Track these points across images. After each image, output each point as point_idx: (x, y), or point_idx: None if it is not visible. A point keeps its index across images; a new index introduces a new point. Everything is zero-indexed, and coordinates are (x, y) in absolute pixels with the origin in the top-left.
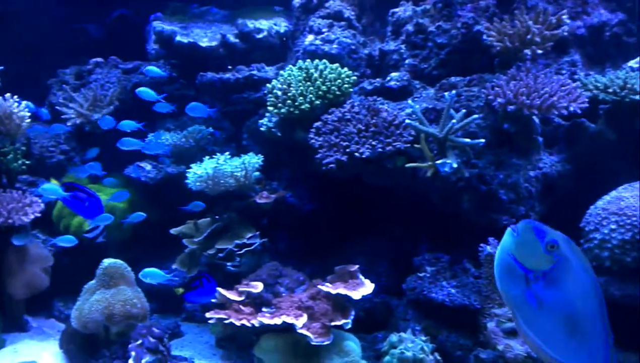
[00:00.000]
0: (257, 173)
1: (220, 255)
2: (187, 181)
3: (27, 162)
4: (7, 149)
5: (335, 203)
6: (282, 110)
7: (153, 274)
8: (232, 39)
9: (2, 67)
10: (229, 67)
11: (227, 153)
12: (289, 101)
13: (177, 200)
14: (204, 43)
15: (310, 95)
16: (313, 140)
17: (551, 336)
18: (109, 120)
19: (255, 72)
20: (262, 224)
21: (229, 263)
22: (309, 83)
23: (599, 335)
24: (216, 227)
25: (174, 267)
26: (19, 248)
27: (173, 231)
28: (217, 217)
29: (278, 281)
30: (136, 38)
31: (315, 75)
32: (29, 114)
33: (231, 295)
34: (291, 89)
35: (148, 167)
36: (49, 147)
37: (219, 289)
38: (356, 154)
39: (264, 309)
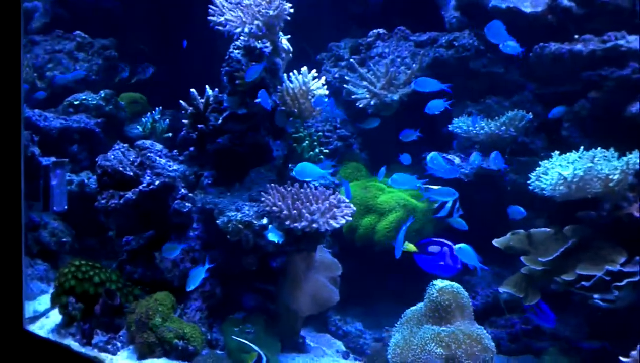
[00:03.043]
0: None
1: (585, 284)
2: (533, 182)
3: (325, 150)
4: (302, 133)
5: None
6: None
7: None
8: (565, 1)
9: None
10: (576, 36)
11: (581, 149)
12: None
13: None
14: (527, 8)
15: None
16: None
17: None
18: (438, 104)
19: (622, 42)
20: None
21: (596, 296)
22: None
23: None
24: (570, 244)
25: (501, 290)
26: (306, 254)
27: (496, 242)
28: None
29: None
30: (424, 3)
31: None
32: (327, 92)
33: None
34: None
35: (457, 160)
36: (325, 131)
37: None
38: None
39: None
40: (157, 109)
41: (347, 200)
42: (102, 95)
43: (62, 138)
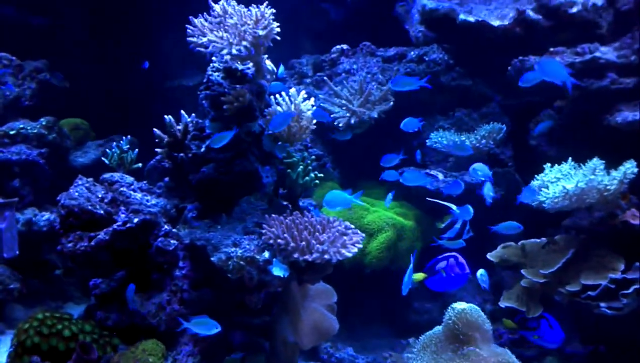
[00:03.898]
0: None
1: (592, 293)
2: (524, 198)
3: (320, 174)
4: (295, 158)
5: None
6: None
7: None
8: (532, 15)
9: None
10: (551, 48)
11: (570, 160)
12: None
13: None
14: (495, 22)
15: None
16: None
17: None
18: (413, 122)
19: (599, 53)
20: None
21: (603, 304)
22: None
23: None
24: (571, 255)
25: (502, 304)
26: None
27: (490, 256)
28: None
29: None
30: (384, 19)
31: None
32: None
33: None
34: None
35: (440, 176)
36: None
37: None
38: None
39: None
40: (124, 138)
41: (353, 227)
42: (44, 122)
43: (1, 173)
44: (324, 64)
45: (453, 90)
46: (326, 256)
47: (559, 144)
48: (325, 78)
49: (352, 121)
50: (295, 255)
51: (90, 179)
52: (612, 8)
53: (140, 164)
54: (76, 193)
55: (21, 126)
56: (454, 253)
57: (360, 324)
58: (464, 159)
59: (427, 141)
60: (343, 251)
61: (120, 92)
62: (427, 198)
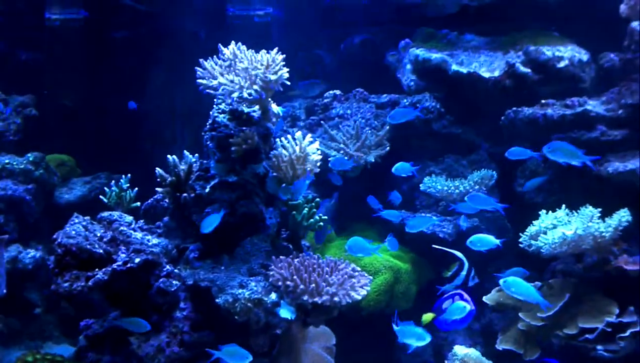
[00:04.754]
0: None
1: (589, 336)
2: (527, 241)
3: (325, 217)
4: (300, 200)
5: None
6: None
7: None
8: (522, 68)
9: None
10: (542, 101)
11: (564, 207)
12: None
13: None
14: (486, 73)
15: None
16: None
17: None
18: (405, 167)
19: (589, 106)
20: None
21: (600, 347)
22: None
23: None
24: (567, 299)
25: (500, 347)
26: (301, 324)
27: (487, 299)
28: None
29: None
30: (374, 66)
31: None
32: (321, 156)
33: None
34: None
35: (434, 219)
36: None
37: None
38: None
39: None
40: (124, 176)
41: (359, 269)
42: (30, 158)
43: None
44: (316, 108)
45: (444, 137)
46: (336, 299)
47: (545, 191)
48: (322, 121)
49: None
50: (305, 298)
51: (87, 217)
52: (595, 64)
53: (138, 203)
54: (73, 232)
55: (7, 161)
56: (458, 291)
57: None
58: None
59: (420, 186)
60: (352, 294)
61: (108, 129)
62: (433, 246)
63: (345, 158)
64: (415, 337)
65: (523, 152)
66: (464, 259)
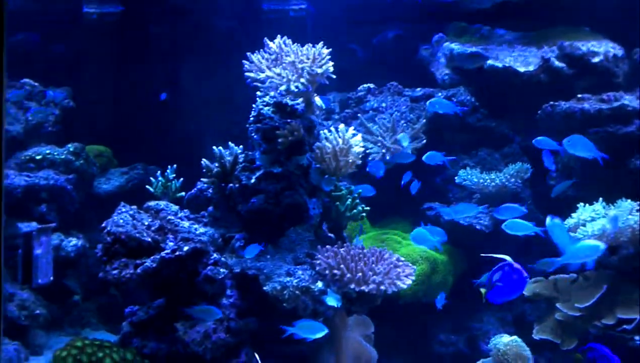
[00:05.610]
0: None
1: (627, 327)
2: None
3: (367, 208)
4: (343, 191)
5: None
6: None
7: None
8: (556, 63)
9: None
10: (579, 95)
11: (601, 200)
12: None
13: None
14: (521, 68)
15: None
16: None
17: None
18: (436, 156)
19: (626, 101)
20: None
21: (637, 337)
22: None
23: None
24: (605, 290)
25: (537, 336)
26: (343, 313)
27: (526, 292)
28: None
29: None
30: (407, 60)
31: None
32: (363, 148)
33: None
34: None
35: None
36: None
37: None
38: None
39: None
40: (170, 166)
41: (403, 259)
42: (71, 148)
43: (28, 197)
44: (350, 101)
45: (477, 130)
46: (382, 287)
47: (577, 184)
48: (358, 115)
49: (387, 157)
50: (352, 286)
51: (134, 207)
52: (629, 59)
53: (183, 193)
54: (121, 221)
55: (47, 151)
56: (506, 261)
57: (392, 354)
58: (489, 197)
59: (455, 178)
60: (398, 283)
61: (143, 121)
62: (482, 254)
63: (381, 162)
64: None
65: (549, 143)
66: (512, 261)
